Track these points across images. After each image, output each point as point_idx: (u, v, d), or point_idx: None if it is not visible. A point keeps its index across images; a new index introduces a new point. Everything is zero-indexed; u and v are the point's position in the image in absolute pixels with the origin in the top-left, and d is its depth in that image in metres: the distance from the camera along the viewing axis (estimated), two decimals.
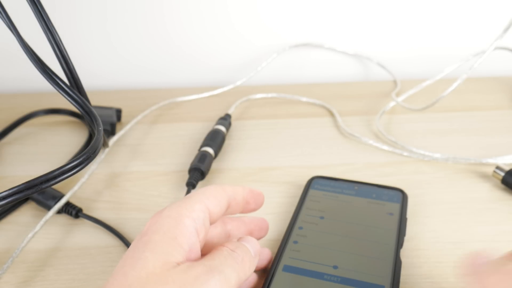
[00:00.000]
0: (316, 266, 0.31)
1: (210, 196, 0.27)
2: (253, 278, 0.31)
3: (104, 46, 0.59)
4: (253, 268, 0.27)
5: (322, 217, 0.36)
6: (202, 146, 0.46)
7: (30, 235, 0.38)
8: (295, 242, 0.33)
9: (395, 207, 0.37)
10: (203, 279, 0.23)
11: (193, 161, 0.44)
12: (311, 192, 0.39)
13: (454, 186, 0.43)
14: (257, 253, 0.27)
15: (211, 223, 0.28)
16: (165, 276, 0.22)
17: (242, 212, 0.31)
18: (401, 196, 0.38)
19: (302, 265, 0.31)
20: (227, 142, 0.49)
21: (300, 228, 0.35)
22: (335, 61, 0.61)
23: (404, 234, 0.34)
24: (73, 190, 0.41)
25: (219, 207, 0.28)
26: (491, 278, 0.23)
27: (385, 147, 0.47)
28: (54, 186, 0.40)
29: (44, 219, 0.39)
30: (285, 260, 0.32)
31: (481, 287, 0.24)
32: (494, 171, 0.42)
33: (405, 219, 0.36)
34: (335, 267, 0.31)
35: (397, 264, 0.31)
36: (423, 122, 0.51)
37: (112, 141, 0.48)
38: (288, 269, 0.31)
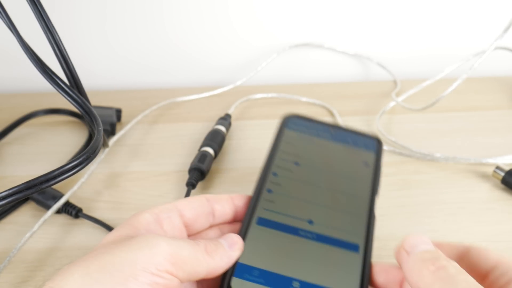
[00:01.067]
0: (291, 220, 0.30)
1: (183, 200, 0.29)
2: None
3: (104, 46, 0.59)
4: (226, 258, 0.26)
5: (297, 163, 0.34)
6: (202, 146, 0.46)
7: (28, 234, 0.38)
8: (269, 191, 0.31)
9: (370, 156, 0.35)
10: (151, 238, 0.24)
11: (193, 161, 0.44)
12: (286, 132, 0.36)
13: (454, 186, 0.43)
14: (233, 245, 0.27)
15: (190, 224, 0.29)
16: (114, 242, 0.25)
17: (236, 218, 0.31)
18: (377, 145, 0.36)
19: (277, 218, 0.30)
20: (227, 142, 0.49)
21: (274, 174, 0.32)
22: (335, 61, 0.61)
23: (378, 186, 0.33)
24: (73, 190, 0.41)
25: (193, 209, 0.29)
26: (424, 274, 0.23)
27: (385, 147, 0.47)
28: (54, 186, 0.40)
29: (42, 219, 0.39)
30: (259, 212, 0.30)
31: (408, 276, 0.24)
32: (494, 171, 0.42)
33: (380, 170, 0.34)
34: (310, 222, 0.30)
35: (371, 220, 0.30)
36: (423, 122, 0.51)
37: (112, 141, 0.48)
38: (263, 222, 0.29)
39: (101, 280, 0.22)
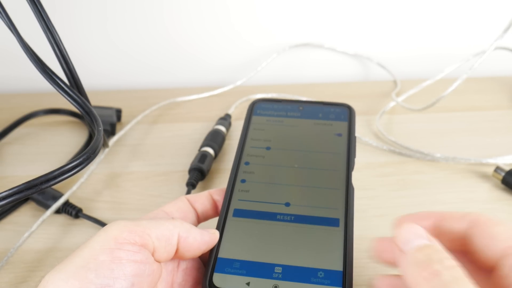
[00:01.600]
0: (268, 206, 0.29)
1: (168, 204, 0.29)
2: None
3: (104, 45, 0.59)
4: (199, 230, 0.26)
5: (268, 148, 0.33)
6: (202, 146, 0.46)
7: (26, 234, 0.38)
8: (243, 181, 0.31)
9: (343, 126, 0.34)
10: (109, 224, 0.25)
11: (193, 161, 0.44)
12: (254, 119, 0.36)
13: (454, 186, 0.43)
14: (209, 230, 0.27)
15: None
16: None
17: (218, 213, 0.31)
18: (348, 113, 0.35)
19: (252, 207, 0.29)
20: (227, 142, 0.49)
21: (247, 163, 0.32)
22: (335, 61, 0.61)
23: (354, 156, 0.32)
24: (72, 190, 0.41)
25: (179, 210, 0.29)
26: (420, 283, 0.21)
27: (385, 147, 0.47)
28: (54, 187, 0.40)
29: (41, 219, 0.39)
30: (234, 204, 0.30)
31: (406, 283, 0.22)
32: (495, 171, 0.42)
33: (354, 139, 0.33)
34: (287, 204, 0.29)
35: (349, 192, 0.30)
36: (423, 122, 0.51)
37: (112, 141, 0.48)
38: (239, 213, 0.29)
39: (63, 269, 0.22)
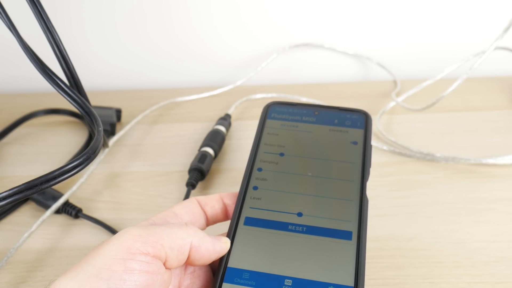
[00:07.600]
0: (280, 216, 0.29)
1: (177, 204, 0.29)
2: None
3: (105, 45, 0.59)
4: (211, 238, 0.26)
5: (282, 154, 0.32)
6: (202, 146, 0.46)
7: (26, 235, 0.38)
8: (255, 188, 0.30)
9: (359, 134, 0.33)
10: (122, 231, 0.25)
11: (193, 161, 0.44)
12: (268, 123, 0.34)
13: (454, 186, 0.43)
14: (220, 238, 0.27)
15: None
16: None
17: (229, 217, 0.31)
18: (365, 120, 0.34)
19: (264, 216, 0.29)
20: (227, 142, 0.49)
21: (259, 169, 0.31)
22: (335, 61, 0.61)
23: (369, 166, 0.31)
24: (72, 190, 0.41)
25: (189, 212, 0.29)
26: None
27: (385, 147, 0.47)
28: (54, 187, 0.40)
29: (41, 219, 0.39)
30: (246, 211, 0.29)
31: None
32: None
33: (370, 147, 0.33)
34: (299, 214, 0.29)
35: (363, 204, 0.29)
36: (423, 122, 0.51)
37: (112, 141, 0.48)
38: (250, 221, 0.29)
39: (75, 277, 0.22)
